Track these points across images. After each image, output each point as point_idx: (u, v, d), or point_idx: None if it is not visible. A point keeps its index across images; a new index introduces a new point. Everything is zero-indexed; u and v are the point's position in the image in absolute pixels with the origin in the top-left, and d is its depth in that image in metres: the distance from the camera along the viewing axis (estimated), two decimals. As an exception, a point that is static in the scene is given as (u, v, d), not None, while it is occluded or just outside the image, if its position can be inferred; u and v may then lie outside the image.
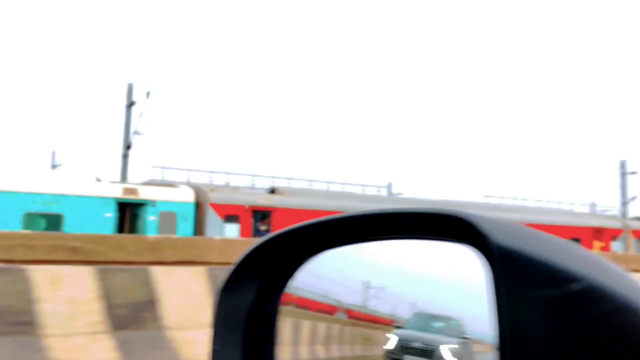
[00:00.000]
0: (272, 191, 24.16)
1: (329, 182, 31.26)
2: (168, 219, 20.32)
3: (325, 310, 1.02)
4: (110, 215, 19.54)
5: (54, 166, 34.44)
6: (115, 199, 19.76)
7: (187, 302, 5.10)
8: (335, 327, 1.00)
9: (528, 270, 0.70)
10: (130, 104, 25.76)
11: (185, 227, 20.54)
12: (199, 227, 21.14)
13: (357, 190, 31.52)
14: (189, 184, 23.28)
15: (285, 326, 1.02)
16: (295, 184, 28.99)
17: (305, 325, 1.04)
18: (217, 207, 21.49)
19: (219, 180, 28.71)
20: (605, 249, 26.60)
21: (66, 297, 4.71)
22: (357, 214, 0.91)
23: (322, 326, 1.02)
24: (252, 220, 22.04)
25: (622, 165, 39.25)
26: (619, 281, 0.75)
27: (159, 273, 5.07)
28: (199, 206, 21.47)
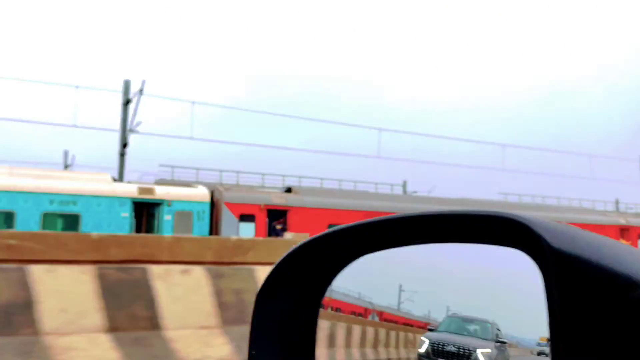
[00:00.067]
0: (288, 190, 24.09)
1: (340, 180, 31.00)
2: (183, 218, 20.36)
3: (358, 312, 0.99)
4: (127, 215, 19.62)
5: (66, 166, 34.64)
6: (131, 198, 19.84)
7: (69, 305, 4.74)
8: (371, 330, 0.98)
9: (586, 276, 0.68)
10: (127, 102, 25.31)
11: (200, 227, 20.57)
12: (214, 227, 21.16)
13: (370, 188, 31.28)
14: (204, 183, 23.30)
15: (322, 329, 1.00)
16: (305, 182, 28.85)
17: (341, 328, 1.02)
18: (233, 207, 21.48)
19: (229, 179, 28.70)
20: (632, 248, 26.00)
21: None
22: (400, 216, 0.88)
23: (357, 329, 1.00)
24: (267, 220, 22.00)
25: None
26: None
27: (38, 272, 4.73)
28: (214, 205, 21.48)
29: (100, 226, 18.71)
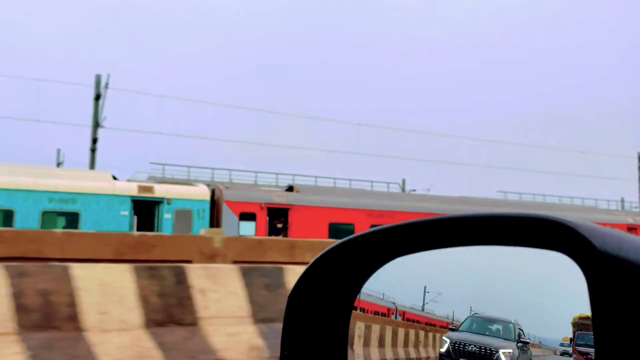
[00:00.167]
0: (290, 189, 23.99)
1: (335, 179, 30.85)
2: (183, 216, 20.29)
3: (381, 312, 1.01)
4: (126, 213, 19.55)
5: (58, 164, 34.46)
6: (131, 196, 19.76)
7: None
8: (400, 331, 0.99)
9: (635, 280, 0.67)
10: (98, 96, 24.98)
11: (201, 225, 20.49)
12: (215, 225, 21.08)
13: (366, 186, 31.13)
14: (204, 181, 23.20)
15: (354, 330, 1.02)
16: (299, 180, 28.74)
17: (371, 329, 1.03)
18: (233, 205, 21.39)
19: (221, 177, 28.59)
20: None
21: None
22: (437, 219, 0.88)
23: (385, 330, 1.01)
24: (268, 218, 21.91)
25: None
26: None
27: None
28: (214, 204, 21.40)
29: (100, 224, 18.64)
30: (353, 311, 1.00)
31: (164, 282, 5.08)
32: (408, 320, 0.96)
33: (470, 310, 0.86)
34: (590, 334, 0.75)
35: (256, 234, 21.09)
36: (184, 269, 5.27)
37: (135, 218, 20.41)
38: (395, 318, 0.98)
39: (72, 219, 18.83)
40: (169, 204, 20.31)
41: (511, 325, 0.82)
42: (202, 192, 21.11)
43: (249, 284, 5.47)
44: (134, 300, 4.86)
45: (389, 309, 0.99)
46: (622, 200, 37.62)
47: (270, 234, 21.41)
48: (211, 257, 7.41)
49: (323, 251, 0.98)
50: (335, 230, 22.01)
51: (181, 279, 5.18)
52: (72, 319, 4.59)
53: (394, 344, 1.00)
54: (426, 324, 0.93)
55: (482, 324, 0.85)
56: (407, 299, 0.96)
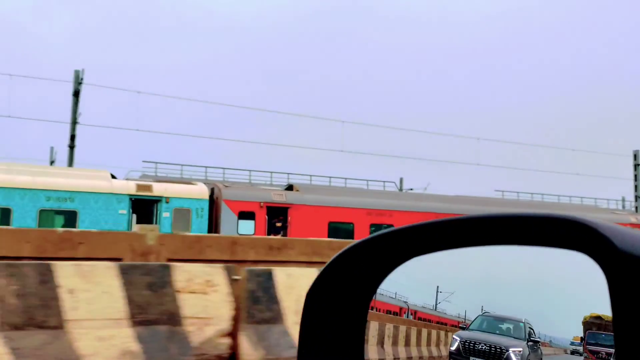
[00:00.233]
0: (290, 187, 23.91)
1: (330, 177, 30.74)
2: (182, 215, 20.22)
3: (393, 311, 1.01)
4: (124, 211, 19.48)
5: (51, 162, 34.29)
6: (129, 195, 19.69)
7: None
8: (414, 330, 0.99)
9: None
10: (76, 93, 24.21)
11: (199, 224, 20.42)
12: (214, 224, 21.00)
13: (362, 185, 31.02)
14: (204, 180, 23.11)
15: (370, 330, 1.02)
16: (294, 179, 28.65)
17: (387, 328, 1.03)
18: (232, 204, 21.31)
19: (214, 175, 28.50)
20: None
21: None
22: (454, 219, 0.87)
23: (399, 329, 1.01)
24: (267, 217, 21.83)
25: (636, 156, 37.22)
26: None
27: None
28: (213, 203, 21.32)
29: (98, 223, 18.58)
30: (371, 311, 1.01)
31: (25, 281, 4.69)
32: (420, 319, 0.97)
33: (482, 309, 0.86)
34: (601, 333, 0.76)
35: (255, 233, 21.01)
36: (51, 266, 4.88)
37: (133, 217, 20.33)
38: (407, 317, 0.99)
39: (69, 218, 18.75)
40: (167, 202, 20.23)
41: (521, 324, 0.82)
42: (201, 191, 21.03)
43: (128, 283, 5.09)
44: (-13, 301, 4.41)
45: (400, 308, 1.00)
46: (623, 200, 37.44)
47: (269, 233, 21.33)
48: (143, 254, 7.12)
49: (340, 251, 0.99)
50: (334, 229, 21.94)
51: (46, 277, 4.78)
52: None
53: (407, 343, 1.01)
54: (437, 323, 0.93)
55: (492, 322, 0.85)
56: (420, 298, 0.97)
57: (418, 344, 1.00)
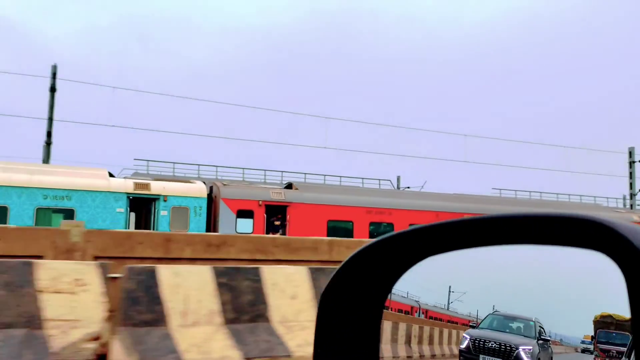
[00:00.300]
0: (289, 186, 23.83)
1: (325, 175, 30.66)
2: (180, 213, 20.15)
3: (405, 310, 1.02)
4: (122, 210, 19.40)
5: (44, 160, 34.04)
6: (126, 193, 19.61)
7: None
8: (427, 329, 1.00)
9: None
10: (53, 88, 23.47)
11: (198, 222, 20.35)
12: (212, 223, 20.93)
13: (357, 183, 30.96)
14: (202, 178, 23.03)
15: (385, 329, 1.03)
16: (287, 177, 28.61)
17: (400, 327, 1.04)
18: (230, 202, 21.23)
19: (206, 173, 28.41)
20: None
21: None
22: (469, 219, 0.88)
23: (412, 327, 1.02)
24: (265, 216, 21.75)
25: (631, 153, 36.87)
26: None
27: None
28: (211, 201, 21.24)
29: (95, 221, 18.50)
30: (386, 311, 1.02)
31: None
32: (431, 318, 0.99)
33: (493, 308, 0.86)
34: (612, 332, 0.76)
35: (254, 232, 20.93)
36: None
37: (131, 215, 20.26)
38: (419, 316, 1.01)
39: (67, 216, 18.67)
40: (165, 201, 20.16)
41: (532, 322, 0.83)
42: (199, 189, 20.96)
43: None
44: None
45: (412, 307, 1.01)
46: (625, 198, 37.26)
47: (268, 232, 21.25)
48: (67, 251, 6.79)
49: (355, 251, 1.00)
50: (333, 227, 21.87)
51: None
52: None
53: (420, 341, 1.02)
54: (448, 321, 0.95)
55: (502, 321, 0.86)
56: (432, 297, 0.99)
57: (430, 342, 1.01)
